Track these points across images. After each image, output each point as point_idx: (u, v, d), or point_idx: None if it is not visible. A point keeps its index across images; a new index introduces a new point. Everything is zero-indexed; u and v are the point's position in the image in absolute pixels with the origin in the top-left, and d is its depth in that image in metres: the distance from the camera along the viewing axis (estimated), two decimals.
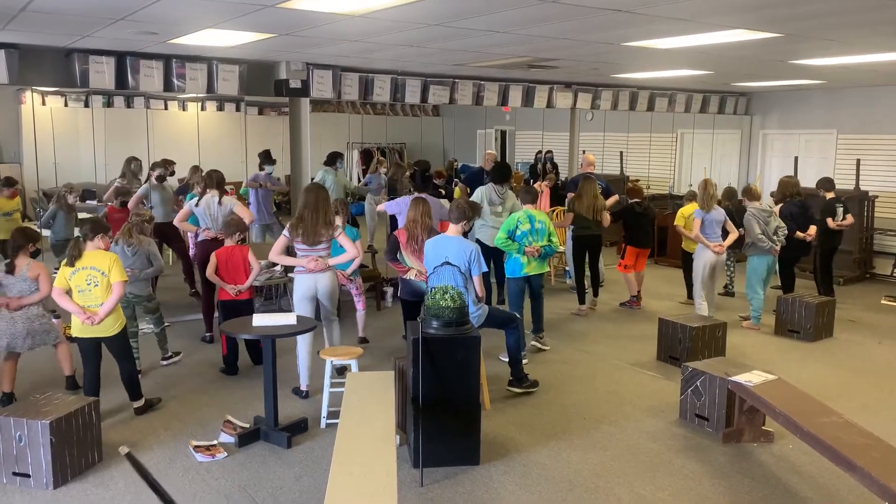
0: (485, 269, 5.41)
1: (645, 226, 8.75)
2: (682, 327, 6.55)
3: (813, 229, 8.10)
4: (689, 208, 8.07)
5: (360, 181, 14.57)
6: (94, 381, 5.20)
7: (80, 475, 4.43)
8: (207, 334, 7.16)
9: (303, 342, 5.68)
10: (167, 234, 8.42)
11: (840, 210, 8.54)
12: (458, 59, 7.81)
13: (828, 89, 11.17)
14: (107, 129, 10.95)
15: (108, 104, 11.95)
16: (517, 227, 6.53)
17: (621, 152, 13.19)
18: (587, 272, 8.55)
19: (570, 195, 8.70)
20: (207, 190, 7.10)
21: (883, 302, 9.20)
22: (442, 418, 4.50)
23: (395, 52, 7.15)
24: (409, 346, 4.69)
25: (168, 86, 7.45)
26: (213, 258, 6.22)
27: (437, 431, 4.49)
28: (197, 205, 7.09)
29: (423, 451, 4.42)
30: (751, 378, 4.94)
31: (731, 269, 9.38)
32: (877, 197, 10.42)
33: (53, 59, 7.03)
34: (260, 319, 5.04)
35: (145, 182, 8.89)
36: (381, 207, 8.35)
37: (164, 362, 6.44)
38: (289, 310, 7.06)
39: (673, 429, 5.27)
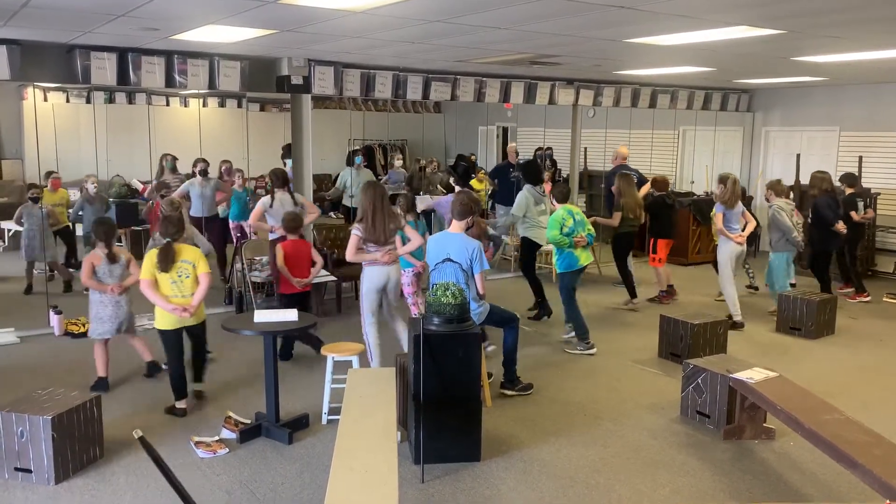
0: (486, 266, 5.40)
1: (673, 217, 9.01)
2: (684, 324, 6.55)
3: (841, 224, 8.39)
4: None
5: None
6: (182, 370, 5.36)
7: (81, 471, 4.44)
8: None
9: (370, 328, 5.85)
10: (202, 229, 8.53)
11: (861, 204, 8.97)
12: (459, 56, 7.80)
13: (830, 86, 11.14)
14: (108, 125, 10.97)
15: (110, 100, 11.98)
16: (563, 223, 6.76)
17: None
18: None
19: (614, 188, 8.83)
20: (276, 189, 7.24)
21: (884, 300, 9.19)
22: (443, 415, 4.51)
23: (397, 48, 7.14)
24: (410, 342, 4.69)
25: (170, 82, 7.44)
26: (279, 250, 6.40)
27: (437, 428, 4.49)
28: (271, 206, 7.20)
29: (423, 447, 4.43)
30: (752, 375, 4.94)
31: (749, 264, 9.45)
32: (879, 194, 10.40)
33: (55, 56, 7.03)
34: (261, 316, 5.05)
35: (187, 177, 9.27)
36: (430, 202, 8.47)
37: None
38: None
39: (674, 426, 5.27)
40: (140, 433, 3.16)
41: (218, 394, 5.75)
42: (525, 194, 7.94)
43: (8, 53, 6.58)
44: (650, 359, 6.77)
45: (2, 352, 6.74)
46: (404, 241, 6.01)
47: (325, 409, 5.22)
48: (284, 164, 10.22)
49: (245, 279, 7.67)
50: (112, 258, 5.65)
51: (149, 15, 5.35)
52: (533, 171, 8.29)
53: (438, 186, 12.37)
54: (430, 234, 6.94)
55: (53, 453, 4.24)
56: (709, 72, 9.28)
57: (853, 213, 8.79)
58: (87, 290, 5.88)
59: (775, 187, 8.05)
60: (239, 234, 9.32)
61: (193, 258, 5.26)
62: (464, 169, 8.18)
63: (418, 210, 7.78)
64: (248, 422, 5.12)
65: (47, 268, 8.90)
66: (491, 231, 6.92)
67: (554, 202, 7.09)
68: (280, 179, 7.39)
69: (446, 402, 4.52)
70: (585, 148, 12.74)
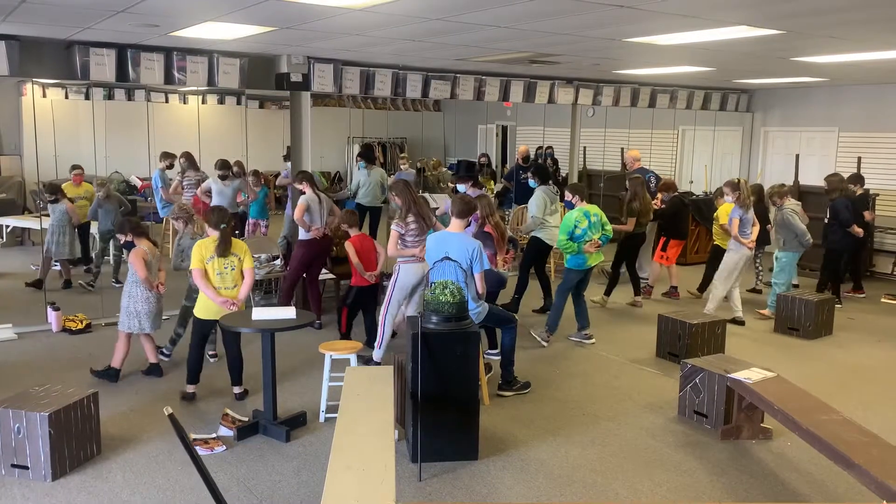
0: (486, 266, 5.40)
1: (686, 218, 9.20)
2: (682, 324, 6.55)
3: (856, 226, 8.57)
4: (729, 206, 8.08)
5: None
6: (201, 357, 5.57)
7: (78, 467, 4.44)
8: (317, 322, 7.29)
9: (391, 318, 6.16)
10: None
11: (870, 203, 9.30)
12: (459, 54, 7.79)
13: (830, 87, 11.15)
14: (107, 121, 10.91)
15: (109, 97, 11.93)
16: (576, 226, 6.78)
17: (622, 149, 13.16)
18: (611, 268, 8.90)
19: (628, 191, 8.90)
20: (314, 189, 7.30)
21: (883, 300, 9.21)
22: (440, 413, 4.51)
23: (397, 46, 7.14)
24: (407, 340, 4.69)
25: (169, 79, 7.43)
26: (350, 247, 6.58)
27: (435, 426, 4.49)
28: (320, 202, 7.25)
29: (421, 445, 4.43)
30: (750, 375, 4.95)
31: (760, 265, 9.47)
32: (878, 195, 10.41)
33: (54, 52, 7.01)
34: (259, 313, 5.04)
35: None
36: (441, 206, 8.54)
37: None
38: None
39: (671, 425, 5.28)
40: (170, 410, 3.17)
41: (216, 391, 5.74)
42: (541, 194, 7.98)
43: (7, 49, 6.56)
44: (648, 358, 6.77)
45: None
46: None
47: (323, 406, 5.22)
48: (288, 166, 10.21)
49: None
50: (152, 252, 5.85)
51: (149, 11, 5.34)
52: (543, 171, 8.38)
53: (449, 184, 12.37)
54: None
55: (50, 450, 4.24)
56: (708, 72, 9.29)
57: (866, 213, 8.98)
58: (118, 282, 5.93)
59: (780, 191, 8.20)
60: (253, 233, 9.39)
61: (241, 252, 5.43)
62: (462, 167, 8.28)
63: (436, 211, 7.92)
64: (246, 419, 5.12)
65: (58, 265, 8.91)
66: (509, 233, 6.99)
67: (577, 199, 7.04)
68: (311, 179, 7.45)
69: (444, 401, 4.52)
70: (585, 147, 12.74)
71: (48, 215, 8.64)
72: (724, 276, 7.82)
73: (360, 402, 4.18)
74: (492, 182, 12.84)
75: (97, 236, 8.87)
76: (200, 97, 12.72)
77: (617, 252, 8.84)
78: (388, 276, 7.65)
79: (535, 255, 8.17)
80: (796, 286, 8.72)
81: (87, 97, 12.02)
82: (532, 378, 6.01)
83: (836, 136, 11.32)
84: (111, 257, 8.92)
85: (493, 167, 14.83)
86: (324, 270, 7.71)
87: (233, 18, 5.66)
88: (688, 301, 8.77)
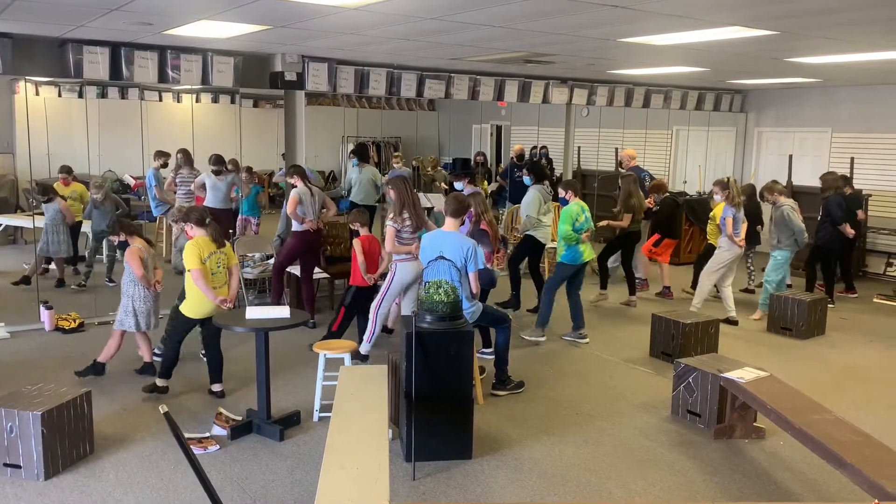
0: (481, 266, 5.40)
1: (679, 217, 9.25)
2: (675, 324, 6.57)
3: (847, 226, 8.59)
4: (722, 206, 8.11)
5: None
6: (177, 355, 5.59)
7: (71, 466, 4.43)
8: (311, 321, 7.22)
9: (382, 316, 6.29)
10: (219, 220, 8.54)
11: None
12: (453, 54, 7.79)
13: (823, 87, 11.19)
14: (101, 119, 10.88)
15: (103, 95, 11.90)
16: (576, 219, 6.88)
17: (616, 149, 13.18)
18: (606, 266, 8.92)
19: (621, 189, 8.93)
20: (306, 183, 7.29)
21: (875, 300, 9.24)
22: (434, 412, 4.50)
23: (391, 45, 7.13)
24: (402, 339, 4.69)
25: (163, 77, 7.41)
26: (358, 244, 6.54)
27: (429, 425, 4.49)
28: (312, 195, 7.25)
29: (415, 444, 4.43)
30: (743, 375, 4.96)
31: (752, 265, 9.49)
32: (870, 196, 10.46)
33: (47, 49, 6.98)
34: (253, 312, 5.04)
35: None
36: (436, 202, 8.57)
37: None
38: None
39: (665, 425, 5.29)
40: (165, 408, 3.17)
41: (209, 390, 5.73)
42: (535, 193, 7.95)
43: (0, 47, 6.54)
44: (642, 358, 6.79)
45: None
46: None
47: (317, 406, 5.21)
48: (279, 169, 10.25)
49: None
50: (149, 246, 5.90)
51: (142, 9, 5.32)
52: (539, 170, 8.36)
53: (442, 184, 12.39)
54: None
55: (43, 449, 4.22)
56: (702, 72, 9.31)
57: (859, 212, 9.01)
58: (111, 282, 6.09)
59: (776, 188, 8.18)
60: (244, 229, 9.39)
61: (227, 249, 5.50)
62: (464, 168, 8.40)
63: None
64: (240, 418, 5.10)
65: (51, 264, 8.88)
66: (501, 231, 7.04)
67: (571, 195, 7.10)
68: (302, 173, 7.45)
69: (438, 400, 4.52)
70: (579, 147, 12.76)
71: (41, 214, 8.62)
72: (711, 272, 7.86)
73: (354, 402, 4.18)
74: (485, 182, 12.83)
75: (90, 235, 8.83)
76: (194, 96, 12.70)
77: (606, 248, 8.88)
78: (253, 282, 7.81)
79: (527, 252, 8.18)
80: (790, 286, 8.72)
81: (80, 95, 12.00)
82: (526, 377, 6.02)
83: (830, 137, 11.36)
84: (104, 257, 8.89)
85: (489, 166, 14.84)
86: (317, 269, 7.70)
87: (227, 17, 5.65)
88: (683, 300, 8.77)
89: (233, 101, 12.81)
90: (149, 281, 5.75)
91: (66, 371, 5.95)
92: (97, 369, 5.85)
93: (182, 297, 6.09)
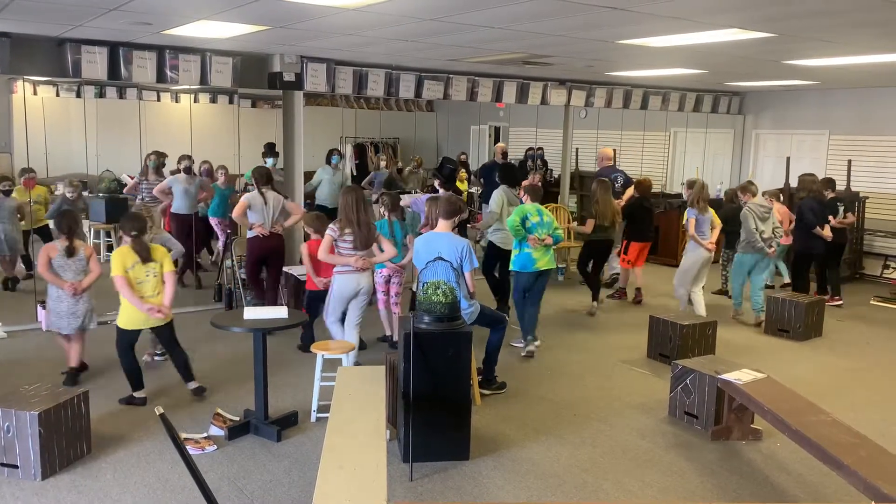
0: (476, 264, 5.41)
1: (648, 221, 8.86)
2: (673, 325, 6.57)
3: (828, 228, 8.34)
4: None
5: (353, 175, 14.55)
6: (134, 363, 5.40)
7: (68, 466, 4.42)
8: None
9: (334, 326, 5.94)
10: (187, 225, 8.50)
11: (841, 209, 8.82)
12: (452, 55, 7.80)
13: (820, 90, 11.21)
14: (98, 119, 10.88)
15: (101, 95, 11.88)
16: (528, 217, 6.61)
17: (614, 150, 13.20)
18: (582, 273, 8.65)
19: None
20: (261, 187, 7.12)
21: (872, 302, 9.26)
22: (432, 413, 4.51)
23: (390, 46, 7.14)
24: (400, 340, 4.69)
25: (161, 77, 7.41)
26: (304, 249, 6.47)
27: (427, 426, 4.49)
28: (265, 202, 7.06)
29: (413, 445, 4.43)
30: (740, 376, 4.97)
31: (726, 269, 9.43)
32: (867, 198, 10.48)
33: (45, 49, 6.98)
34: (251, 313, 5.03)
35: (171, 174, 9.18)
36: (407, 200, 8.44)
37: (159, 358, 6.29)
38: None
39: (662, 426, 5.29)
40: (161, 410, 3.16)
41: (207, 390, 5.72)
42: (500, 193, 7.75)
43: None
44: (639, 359, 6.79)
45: None
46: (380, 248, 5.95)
47: (315, 406, 5.21)
48: (265, 163, 10.14)
49: (235, 276, 7.65)
50: (70, 251, 5.55)
51: (141, 9, 5.32)
52: (510, 172, 8.13)
53: (417, 188, 12.38)
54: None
55: (40, 449, 4.22)
56: (700, 74, 9.32)
57: (830, 218, 8.57)
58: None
59: (748, 189, 7.95)
60: (230, 231, 9.29)
61: (159, 257, 5.31)
62: (449, 171, 8.11)
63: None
64: (237, 419, 5.10)
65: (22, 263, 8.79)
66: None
67: (527, 198, 6.84)
68: (265, 178, 7.22)
69: (436, 401, 4.52)
70: (577, 148, 12.78)
71: None
72: (681, 276, 7.77)
73: (352, 402, 4.18)
74: (465, 183, 12.73)
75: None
76: (192, 96, 12.68)
77: (579, 257, 8.68)
78: None
79: (494, 259, 7.89)
80: (771, 287, 8.55)
81: (78, 95, 11.98)
82: (523, 379, 6.02)
83: (827, 139, 11.39)
84: None
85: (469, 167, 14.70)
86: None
87: (226, 17, 5.65)
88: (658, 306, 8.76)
89: (231, 102, 12.78)
90: (56, 281, 5.53)
91: (63, 371, 5.94)
92: (72, 377, 5.72)
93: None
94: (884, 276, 10.46)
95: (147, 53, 7.24)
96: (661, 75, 9.70)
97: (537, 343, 6.84)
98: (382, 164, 12.04)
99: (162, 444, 4.73)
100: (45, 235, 9.10)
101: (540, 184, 10.39)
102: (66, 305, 5.60)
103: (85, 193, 9.97)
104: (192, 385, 5.58)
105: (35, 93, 11.84)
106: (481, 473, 4.49)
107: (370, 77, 8.65)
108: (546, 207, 10.51)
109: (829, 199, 8.77)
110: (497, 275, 8.00)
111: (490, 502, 4.17)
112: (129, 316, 5.25)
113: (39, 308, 7.17)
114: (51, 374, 5.87)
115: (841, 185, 10.49)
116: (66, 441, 4.42)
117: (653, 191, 9.73)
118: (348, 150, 16.39)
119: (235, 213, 7.10)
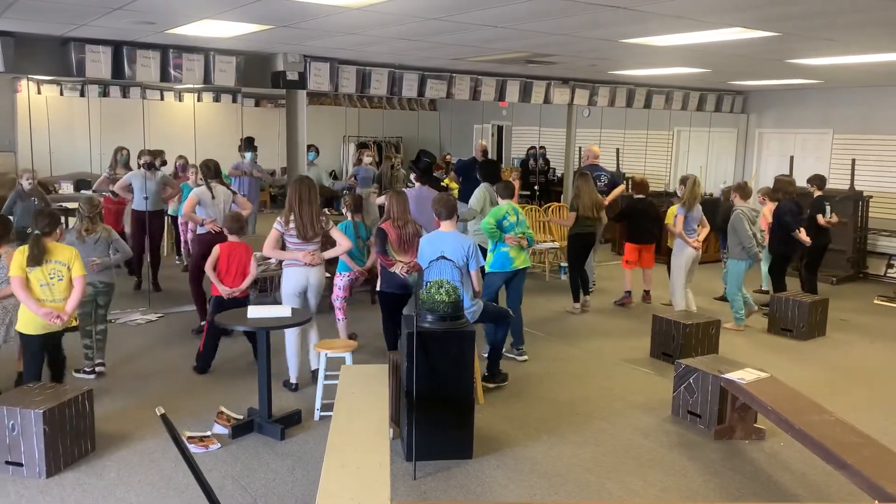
0: (482, 263, 5.42)
1: (645, 222, 8.62)
2: (676, 324, 6.57)
3: (803, 232, 8.09)
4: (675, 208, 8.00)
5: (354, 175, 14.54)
6: (39, 379, 4.95)
7: (72, 464, 4.43)
8: (202, 323, 6.96)
9: (291, 334, 5.65)
10: (145, 222, 8.37)
11: (828, 208, 8.56)
12: (455, 54, 7.80)
13: (824, 89, 11.19)
14: (102, 118, 10.92)
15: (104, 94, 11.92)
16: (505, 217, 6.48)
17: (618, 149, 13.20)
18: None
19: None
20: (209, 180, 6.99)
21: (876, 302, 9.24)
22: (435, 412, 4.51)
23: (393, 45, 7.14)
24: (403, 339, 4.70)
25: (164, 76, 7.42)
26: (215, 251, 6.03)
27: (430, 425, 4.49)
28: (213, 197, 6.91)
29: (416, 444, 4.43)
30: (743, 376, 4.97)
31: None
32: (871, 197, 10.47)
33: (49, 48, 7.00)
34: (255, 311, 5.04)
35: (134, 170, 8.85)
36: (380, 200, 8.33)
37: (80, 375, 5.82)
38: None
39: (665, 425, 5.29)
40: (162, 410, 3.15)
41: (210, 389, 5.74)
42: (482, 190, 7.63)
43: (2, 45, 6.55)
44: (642, 358, 6.79)
45: None
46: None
47: (318, 405, 5.21)
48: (244, 158, 10.07)
49: None
50: None
51: (145, 8, 5.34)
52: (491, 170, 8.00)
53: (406, 182, 12.31)
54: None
55: (45, 447, 4.23)
56: (703, 73, 9.32)
57: (819, 217, 8.38)
58: None
59: (742, 190, 7.73)
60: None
61: (67, 259, 4.87)
62: (426, 164, 7.95)
63: (377, 204, 7.45)
64: (241, 417, 5.11)
65: None
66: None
67: (500, 199, 6.72)
68: (212, 171, 7.01)
69: (439, 400, 4.52)
70: (580, 147, 12.75)
71: None
72: (675, 280, 7.67)
73: (355, 401, 4.19)
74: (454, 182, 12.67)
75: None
76: (196, 95, 12.72)
77: (568, 255, 8.59)
78: (255, 281, 7.05)
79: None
80: (766, 292, 8.42)
81: (82, 94, 12.02)
82: (526, 378, 6.03)
83: (831, 138, 11.37)
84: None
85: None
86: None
87: (229, 16, 5.66)
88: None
89: (234, 101, 12.83)
90: None
91: (66, 370, 5.94)
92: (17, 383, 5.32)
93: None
94: (887, 275, 10.44)
95: (151, 53, 7.25)
96: (664, 74, 9.69)
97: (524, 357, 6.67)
98: (367, 160, 11.99)
99: (166, 443, 4.74)
100: None
101: (515, 182, 10.28)
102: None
103: (88, 192, 9.95)
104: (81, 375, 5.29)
105: (39, 92, 11.89)
106: (484, 472, 4.49)
107: (373, 76, 8.66)
108: (549, 207, 10.65)
109: (816, 197, 8.58)
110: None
111: (493, 501, 4.18)
112: (29, 320, 4.83)
113: None
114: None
115: (845, 185, 10.50)
116: (71, 439, 4.43)
117: (656, 190, 9.67)
118: (351, 149, 16.40)
119: (185, 210, 6.86)
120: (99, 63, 7.06)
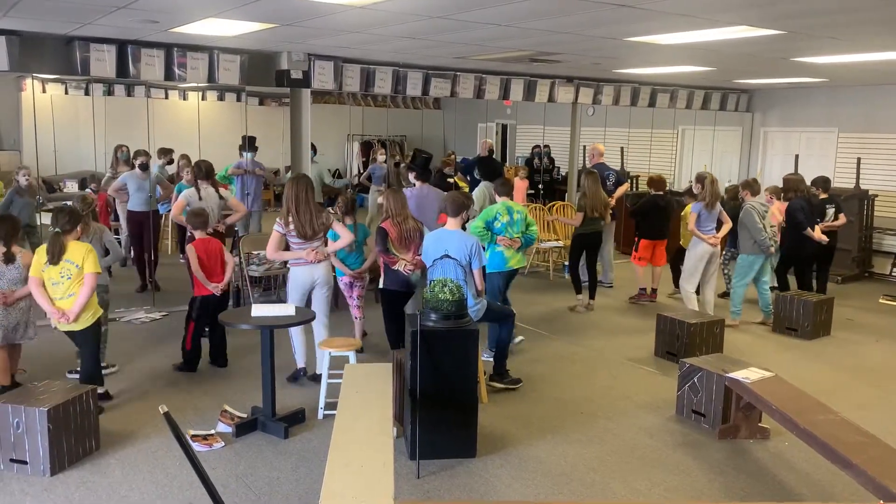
0: (485, 262, 5.41)
1: (661, 218, 8.68)
2: (680, 323, 6.56)
3: (818, 229, 8.09)
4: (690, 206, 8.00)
5: (360, 173, 14.58)
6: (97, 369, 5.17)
7: (77, 462, 4.44)
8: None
9: (296, 331, 5.70)
10: (142, 223, 8.38)
11: (831, 211, 8.51)
12: (459, 52, 7.79)
13: (829, 87, 11.16)
14: (107, 117, 10.94)
15: (109, 92, 11.94)
16: (496, 218, 6.46)
17: (622, 148, 13.20)
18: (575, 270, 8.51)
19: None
20: (199, 181, 7.00)
21: (881, 301, 9.22)
22: (439, 411, 4.51)
23: (397, 44, 7.14)
24: (407, 338, 4.70)
25: (169, 75, 7.43)
26: (192, 252, 5.92)
27: (434, 424, 4.49)
28: (199, 198, 6.94)
29: (419, 443, 4.43)
30: (748, 375, 4.95)
31: (728, 268, 9.33)
32: (877, 196, 10.43)
33: (54, 47, 7.01)
34: (259, 310, 5.05)
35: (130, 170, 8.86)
36: (381, 199, 8.34)
37: (73, 376, 5.71)
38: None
39: (669, 424, 5.28)
40: (165, 408, 3.15)
41: (214, 387, 5.75)
42: (482, 188, 7.67)
43: (7, 44, 6.56)
44: (646, 357, 6.78)
45: None
46: (335, 239, 5.85)
47: (322, 403, 5.22)
48: (242, 157, 10.09)
49: (242, 273, 7.67)
50: (7, 258, 5.14)
51: (150, 7, 5.34)
52: (489, 167, 8.00)
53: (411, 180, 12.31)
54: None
55: (49, 445, 4.24)
56: (708, 71, 9.29)
57: (814, 231, 8.13)
58: None
59: (751, 186, 7.73)
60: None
61: (80, 257, 4.86)
62: (423, 161, 7.92)
63: (380, 204, 7.43)
64: (245, 416, 5.12)
65: None
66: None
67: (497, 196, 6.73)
68: (203, 171, 7.02)
69: (443, 399, 4.52)
70: (584, 146, 12.74)
71: None
72: (688, 276, 7.63)
73: (359, 400, 4.19)
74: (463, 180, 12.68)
75: None
76: (200, 94, 12.74)
77: (570, 253, 8.57)
78: (259, 280, 7.21)
79: None
80: (774, 288, 8.40)
81: (86, 93, 12.04)
82: (530, 377, 6.02)
83: (836, 137, 11.34)
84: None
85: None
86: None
87: (233, 15, 5.66)
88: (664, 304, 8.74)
89: (238, 99, 12.84)
90: None
91: (72, 368, 5.97)
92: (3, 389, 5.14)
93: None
94: (893, 274, 10.40)
95: (155, 51, 7.26)
96: (669, 73, 9.67)
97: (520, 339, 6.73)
98: (381, 158, 11.98)
99: (170, 441, 4.74)
100: None
101: (523, 182, 10.24)
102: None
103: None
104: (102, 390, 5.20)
105: (44, 90, 11.92)
106: (488, 471, 4.49)
107: (377, 75, 8.66)
108: (553, 206, 10.64)
109: (818, 200, 8.50)
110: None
111: (497, 501, 4.17)
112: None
113: None
114: (60, 370, 5.91)
115: (850, 183, 10.47)
116: (75, 437, 4.44)
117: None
118: (355, 147, 16.43)
119: (173, 213, 6.84)
120: (103, 62, 7.07)
